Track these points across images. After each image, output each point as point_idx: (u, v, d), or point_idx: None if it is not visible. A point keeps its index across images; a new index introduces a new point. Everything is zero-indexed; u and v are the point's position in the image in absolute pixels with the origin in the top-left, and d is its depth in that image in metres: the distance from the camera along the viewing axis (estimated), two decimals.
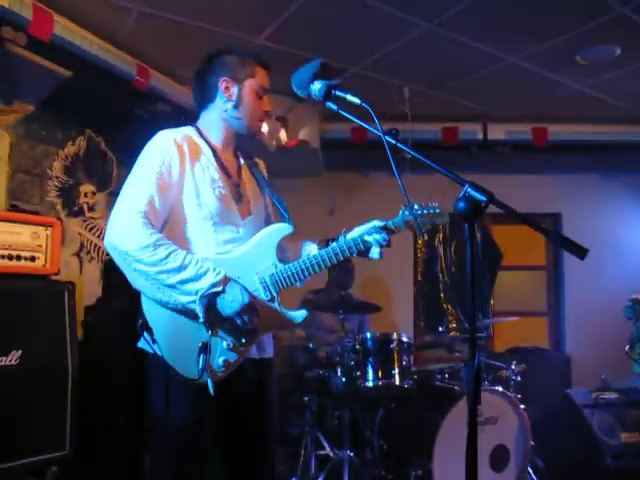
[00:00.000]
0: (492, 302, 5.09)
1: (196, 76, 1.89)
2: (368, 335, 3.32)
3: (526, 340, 4.71)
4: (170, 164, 1.70)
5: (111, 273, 3.27)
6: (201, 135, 1.83)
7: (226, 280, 1.63)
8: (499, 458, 3.14)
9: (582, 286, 4.81)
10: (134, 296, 3.23)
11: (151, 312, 1.66)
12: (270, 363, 1.91)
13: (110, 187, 3.84)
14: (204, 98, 1.86)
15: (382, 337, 3.33)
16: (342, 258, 1.80)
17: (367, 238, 1.82)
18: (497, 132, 4.37)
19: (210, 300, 1.60)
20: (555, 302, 5.05)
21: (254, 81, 1.84)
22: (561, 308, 5.00)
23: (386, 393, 3.31)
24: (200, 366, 1.59)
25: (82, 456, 2.73)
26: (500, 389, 3.22)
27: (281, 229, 1.82)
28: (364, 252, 1.84)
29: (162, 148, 1.72)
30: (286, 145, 3.99)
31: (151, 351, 1.66)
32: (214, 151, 1.82)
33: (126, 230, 1.59)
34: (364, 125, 1.71)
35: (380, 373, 3.22)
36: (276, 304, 1.75)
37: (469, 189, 1.49)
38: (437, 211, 1.94)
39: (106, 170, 3.82)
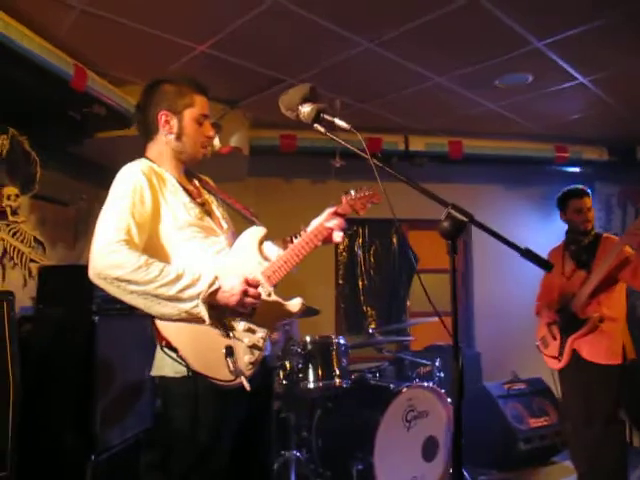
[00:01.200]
0: (408, 303, 5.42)
1: (137, 108, 1.97)
2: (308, 339, 3.45)
3: (438, 339, 5.07)
4: (142, 194, 1.75)
5: (47, 281, 3.12)
6: (158, 166, 1.89)
7: (217, 277, 1.73)
8: (430, 449, 3.40)
9: (489, 288, 5.27)
10: (72, 304, 3.13)
11: (170, 331, 1.71)
12: (270, 360, 2.05)
13: (34, 189, 3.64)
14: (148, 131, 1.93)
15: (321, 340, 3.47)
16: (313, 246, 1.96)
17: (327, 225, 2.00)
18: (417, 144, 4.67)
19: (211, 301, 1.69)
20: (465, 303, 5.48)
21: (193, 110, 1.91)
22: (470, 309, 5.43)
23: (327, 393, 3.45)
24: (232, 368, 1.70)
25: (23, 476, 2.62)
26: (431, 385, 3.49)
27: (258, 231, 1.96)
28: (327, 238, 2.01)
29: (132, 179, 1.77)
30: (220, 152, 4.01)
31: (180, 375, 1.71)
32: (174, 178, 1.90)
33: (113, 258, 1.62)
34: (349, 146, 1.84)
35: (321, 374, 3.36)
36: (274, 297, 1.88)
37: (452, 210, 1.68)
38: (371, 192, 2.15)
39: (30, 172, 3.62)
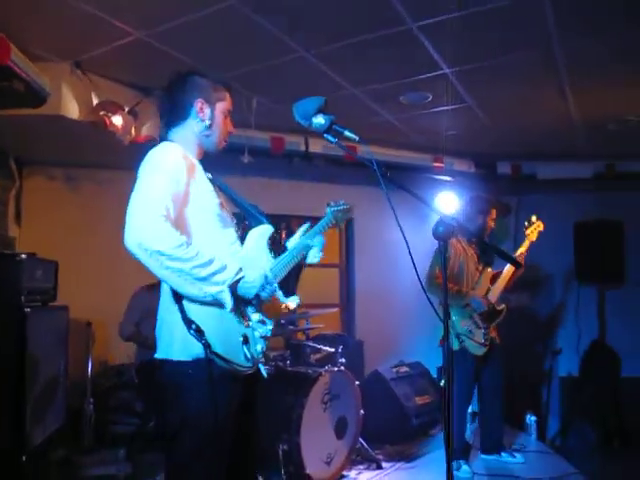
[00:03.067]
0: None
1: (167, 93, 2.07)
2: None
3: (323, 329, 5.44)
4: (179, 174, 1.85)
5: None
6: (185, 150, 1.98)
7: (241, 269, 1.87)
8: (341, 427, 3.75)
9: (370, 281, 5.77)
10: None
11: (198, 315, 1.80)
12: None
13: None
14: (177, 116, 2.03)
15: None
16: (301, 256, 2.23)
17: (310, 243, 2.26)
18: (316, 146, 4.98)
19: (234, 289, 1.81)
20: (346, 295, 5.92)
21: (224, 104, 2.08)
22: (351, 300, 5.89)
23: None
24: (248, 355, 1.84)
25: None
26: (343, 369, 3.83)
27: (268, 230, 2.15)
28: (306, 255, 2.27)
29: (171, 158, 1.87)
30: (136, 140, 3.91)
31: (202, 356, 1.77)
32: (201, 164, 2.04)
33: (156, 232, 1.71)
34: (358, 157, 2.08)
35: None
36: (279, 293, 2.04)
37: (444, 217, 2.01)
38: (348, 207, 2.50)
39: None
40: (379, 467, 3.87)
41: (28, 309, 2.79)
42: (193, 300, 1.80)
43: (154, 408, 3.73)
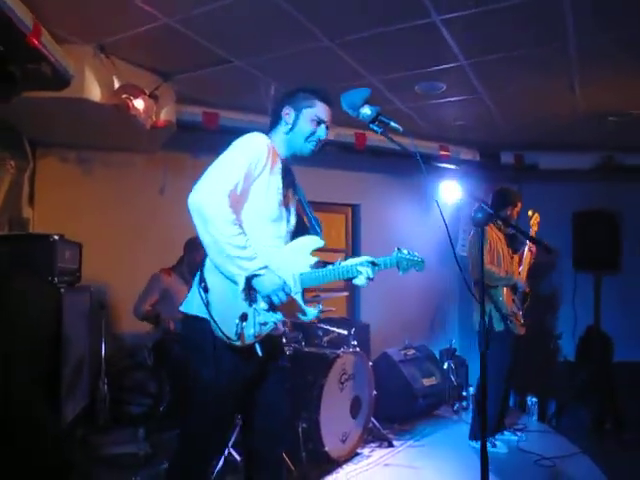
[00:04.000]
0: None
1: (271, 107, 2.35)
2: None
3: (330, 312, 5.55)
4: (258, 162, 2.05)
5: None
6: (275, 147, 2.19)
7: (267, 268, 2.01)
8: (355, 407, 3.87)
9: None
10: (28, 274, 2.97)
11: (211, 278, 2.02)
12: (281, 336, 2.37)
13: None
14: (273, 122, 2.29)
15: None
16: (342, 278, 2.24)
17: (360, 269, 2.22)
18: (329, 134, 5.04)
19: (250, 279, 1.97)
20: None
21: (311, 110, 2.24)
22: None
23: None
24: (238, 331, 1.99)
25: None
26: (358, 350, 3.94)
27: (316, 241, 2.25)
28: (351, 278, 2.26)
29: (258, 147, 2.08)
30: (156, 124, 3.95)
31: (201, 315, 1.99)
32: (282, 163, 2.21)
33: (215, 202, 1.93)
34: (400, 145, 2.16)
35: None
36: (299, 297, 2.15)
37: (483, 204, 2.12)
38: (419, 260, 2.35)
39: None
40: (390, 445, 4.02)
41: (62, 288, 2.84)
42: (215, 265, 1.99)
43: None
